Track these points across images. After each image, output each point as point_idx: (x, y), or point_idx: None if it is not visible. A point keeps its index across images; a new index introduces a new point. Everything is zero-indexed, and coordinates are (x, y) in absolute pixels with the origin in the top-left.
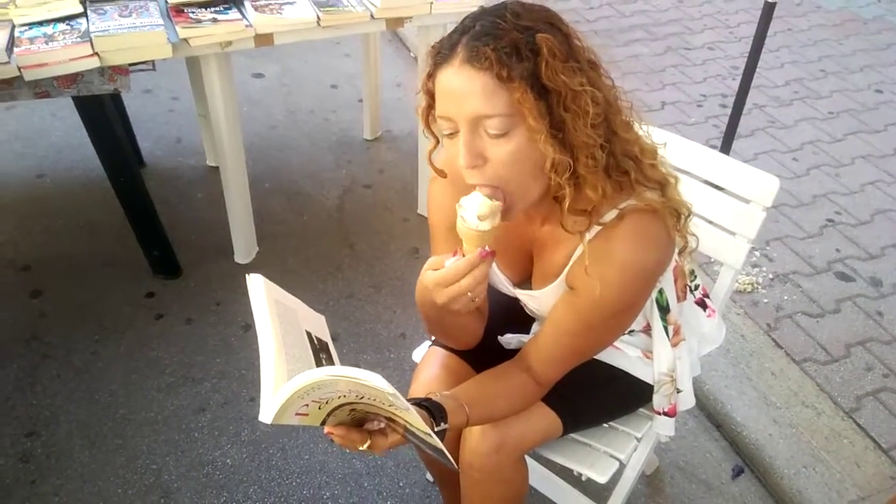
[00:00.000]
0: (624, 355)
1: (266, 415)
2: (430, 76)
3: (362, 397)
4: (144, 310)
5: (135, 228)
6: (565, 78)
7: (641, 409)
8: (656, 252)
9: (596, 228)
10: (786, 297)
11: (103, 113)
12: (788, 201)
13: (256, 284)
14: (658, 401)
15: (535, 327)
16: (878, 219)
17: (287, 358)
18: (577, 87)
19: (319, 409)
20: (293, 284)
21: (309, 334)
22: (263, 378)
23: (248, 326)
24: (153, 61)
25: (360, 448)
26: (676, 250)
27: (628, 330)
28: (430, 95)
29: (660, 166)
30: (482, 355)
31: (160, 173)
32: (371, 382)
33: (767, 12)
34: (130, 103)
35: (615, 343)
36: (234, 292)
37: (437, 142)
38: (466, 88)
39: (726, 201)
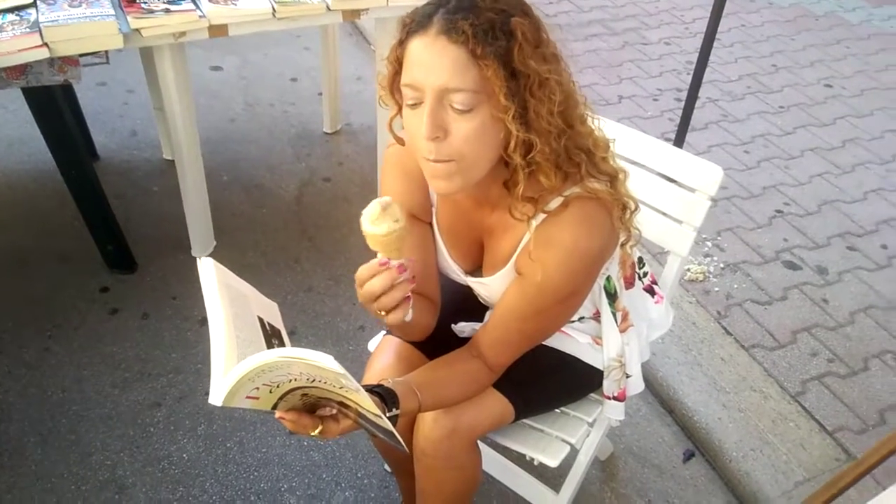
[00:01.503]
0: (574, 341)
1: (216, 396)
2: (401, 44)
3: (313, 381)
4: (99, 305)
5: (88, 223)
6: (535, 64)
7: (592, 395)
8: (600, 238)
9: (541, 216)
10: (735, 286)
11: (54, 104)
12: (740, 193)
13: (207, 268)
14: (608, 386)
15: (487, 315)
16: (824, 209)
17: (238, 342)
18: (545, 74)
19: (271, 392)
20: (252, 278)
21: (261, 320)
22: (214, 360)
23: (206, 320)
24: (106, 54)
25: (312, 434)
26: (619, 241)
27: (578, 317)
28: (398, 63)
29: (610, 160)
30: (436, 343)
31: (115, 167)
32: (321, 363)
33: (718, 7)
34: (84, 96)
35: (565, 329)
36: (191, 286)
37: (399, 110)
38: (439, 59)
39: (674, 191)
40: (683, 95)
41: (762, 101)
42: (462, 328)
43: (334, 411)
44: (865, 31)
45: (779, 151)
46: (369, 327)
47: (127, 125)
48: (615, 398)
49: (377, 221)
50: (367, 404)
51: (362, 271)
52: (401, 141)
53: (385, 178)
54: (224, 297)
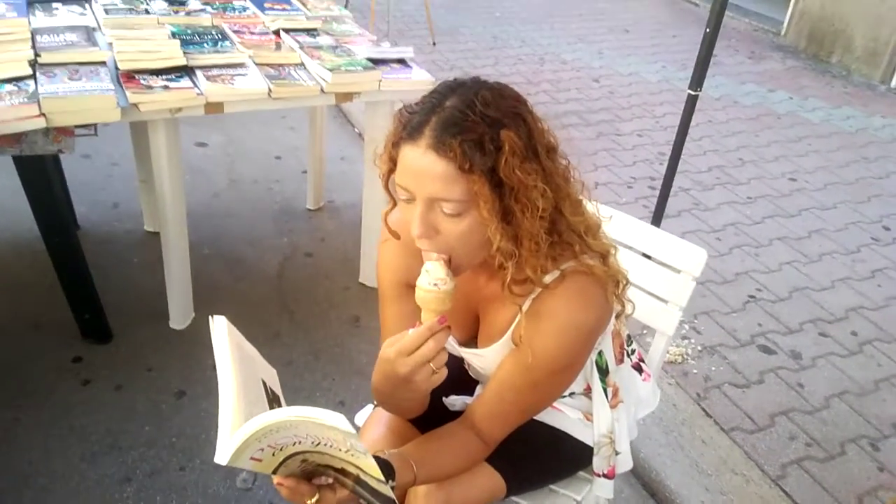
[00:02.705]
0: (566, 417)
1: (222, 456)
2: (395, 145)
3: (318, 444)
4: (70, 375)
5: (66, 290)
6: (520, 175)
7: (582, 472)
8: (595, 311)
9: (537, 290)
10: (713, 368)
11: (43, 171)
12: (713, 278)
13: (220, 326)
14: (598, 463)
15: (478, 390)
16: (795, 296)
17: (245, 402)
18: (529, 184)
19: (273, 455)
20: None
21: (264, 383)
22: (221, 418)
23: (182, 393)
24: (95, 126)
25: (308, 502)
26: (614, 314)
27: (569, 392)
28: (393, 162)
29: (602, 239)
30: (427, 416)
31: (95, 237)
32: (333, 423)
33: (691, 103)
34: (68, 167)
35: (556, 405)
36: (168, 358)
37: (395, 204)
38: (428, 171)
39: (659, 271)
40: (656, 184)
41: (731, 192)
42: (453, 401)
43: (331, 481)
44: (826, 130)
45: (749, 240)
46: (349, 402)
47: (109, 197)
48: (605, 475)
49: (429, 280)
50: (373, 469)
51: (413, 340)
52: (395, 235)
53: (381, 247)
54: (235, 357)
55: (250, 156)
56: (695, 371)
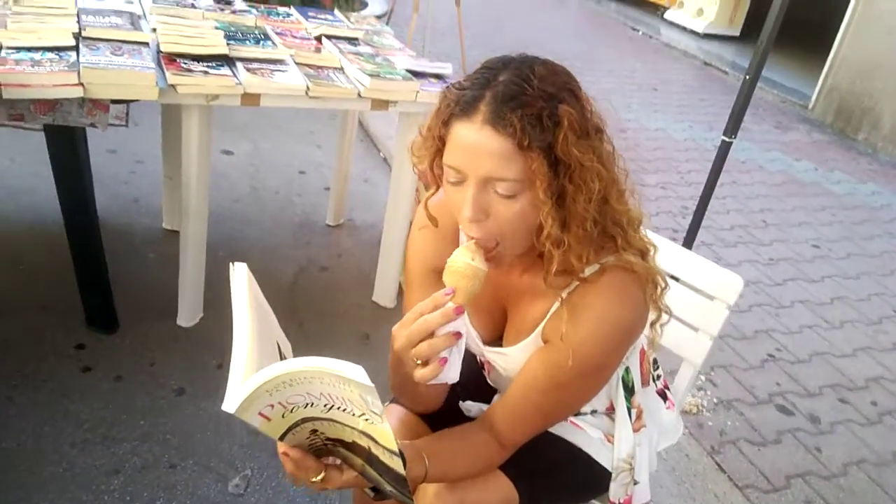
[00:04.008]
0: (586, 435)
1: (231, 403)
2: (446, 124)
3: (331, 408)
4: (71, 360)
5: (78, 271)
6: (577, 152)
7: (596, 501)
8: (633, 311)
9: (575, 283)
10: (729, 423)
11: (73, 147)
12: (732, 333)
13: (241, 273)
14: (615, 490)
15: (496, 398)
16: (815, 360)
17: (258, 354)
18: (586, 163)
19: (283, 416)
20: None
21: (279, 346)
22: (233, 366)
23: (182, 391)
24: (126, 117)
25: (313, 479)
26: (649, 321)
27: (591, 409)
28: (441, 141)
29: (643, 235)
30: (441, 419)
31: (113, 229)
32: (350, 375)
33: (724, 150)
34: (93, 161)
35: (577, 422)
36: (172, 354)
37: (436, 189)
38: (485, 148)
39: (690, 297)
40: (679, 236)
41: (753, 252)
42: (469, 407)
43: (339, 461)
44: (850, 202)
45: (770, 299)
46: None
47: (131, 192)
48: None
49: (466, 254)
50: (387, 439)
51: (425, 303)
52: (434, 221)
53: (415, 233)
54: (252, 307)
55: (275, 167)
56: (710, 423)
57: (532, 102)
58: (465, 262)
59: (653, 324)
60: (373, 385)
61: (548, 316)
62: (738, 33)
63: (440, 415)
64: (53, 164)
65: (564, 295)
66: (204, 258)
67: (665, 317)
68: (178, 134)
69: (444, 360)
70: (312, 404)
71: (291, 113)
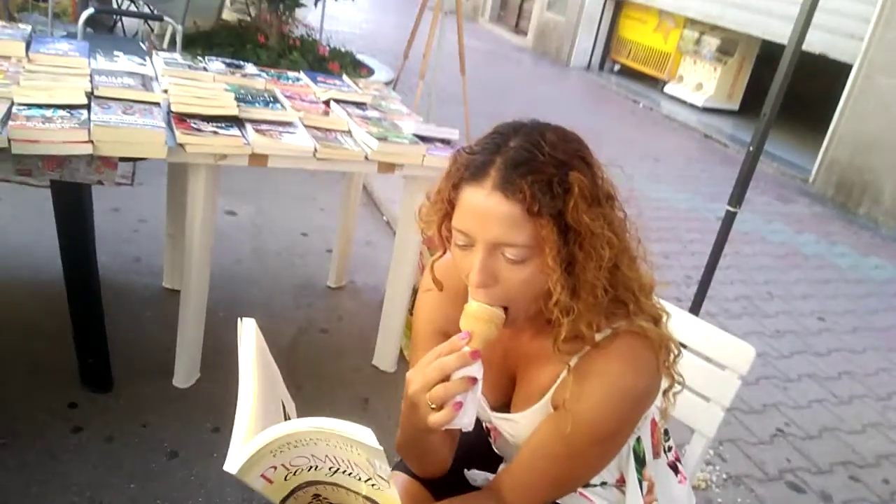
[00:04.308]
0: None
1: (233, 464)
2: (455, 187)
3: (336, 471)
4: (62, 420)
5: (76, 329)
6: (588, 220)
7: None
8: (646, 377)
9: (587, 347)
10: (739, 500)
11: (79, 204)
12: (740, 406)
13: (249, 330)
14: None
15: (502, 467)
16: (825, 435)
17: (264, 412)
18: (596, 230)
19: (286, 479)
20: (231, 415)
21: (283, 407)
22: (237, 424)
23: (175, 454)
24: (132, 177)
25: None
26: (662, 389)
27: (601, 481)
28: (451, 205)
29: (655, 301)
30: (446, 488)
31: (112, 287)
32: (359, 437)
33: (728, 220)
34: (96, 218)
35: (586, 493)
36: (166, 416)
37: (443, 252)
38: (494, 213)
39: (701, 366)
40: (683, 305)
41: (758, 323)
42: (475, 476)
43: None
44: (854, 276)
45: (777, 372)
46: None
47: (132, 251)
48: None
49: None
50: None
51: (442, 347)
52: (439, 285)
53: (422, 295)
54: (259, 364)
55: (277, 229)
56: (720, 500)
57: (542, 169)
58: (481, 306)
59: (665, 392)
60: (381, 448)
61: (558, 382)
62: (736, 108)
63: (444, 484)
64: (57, 220)
65: (575, 360)
66: (204, 317)
67: (678, 385)
68: (184, 192)
69: (459, 405)
70: (317, 467)
71: (295, 177)
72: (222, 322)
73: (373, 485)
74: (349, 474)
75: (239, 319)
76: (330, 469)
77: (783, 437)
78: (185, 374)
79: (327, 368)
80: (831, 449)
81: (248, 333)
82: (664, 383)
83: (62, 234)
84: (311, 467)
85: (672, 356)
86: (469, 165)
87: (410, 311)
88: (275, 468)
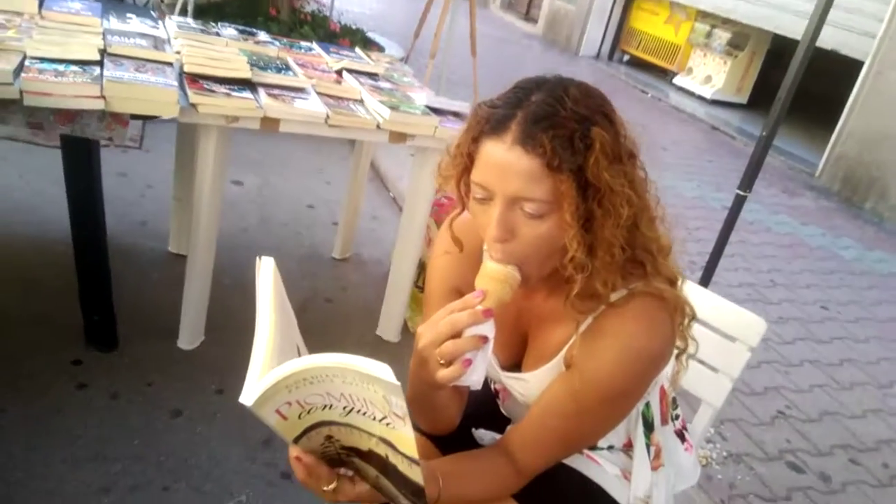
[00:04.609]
0: (602, 471)
1: (249, 396)
2: (475, 140)
3: (350, 411)
4: (67, 376)
5: (82, 286)
6: (608, 176)
7: None
8: (660, 339)
9: (602, 307)
10: (739, 477)
11: (88, 160)
12: (741, 388)
13: (267, 268)
14: None
15: (509, 429)
16: (826, 419)
17: (279, 351)
18: (616, 188)
19: (300, 417)
20: (235, 377)
21: (298, 350)
22: (253, 359)
23: (178, 412)
24: (141, 139)
25: (325, 488)
26: (675, 352)
27: (608, 445)
28: (470, 158)
29: (671, 263)
30: (453, 445)
31: (118, 250)
32: (375, 372)
33: (738, 203)
34: (103, 183)
35: (593, 456)
36: (170, 376)
37: (461, 210)
38: (514, 168)
39: (711, 338)
40: None
41: (762, 310)
42: (482, 435)
43: (351, 473)
44: (858, 268)
45: (779, 357)
46: None
47: (139, 215)
48: None
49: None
50: (407, 445)
51: (455, 303)
52: (459, 245)
53: (437, 250)
54: (276, 303)
55: (283, 201)
56: (719, 476)
57: (564, 124)
58: (498, 267)
59: (678, 356)
60: (399, 384)
61: (571, 341)
62: (745, 101)
63: (452, 442)
64: (66, 177)
65: (590, 321)
66: (210, 280)
67: (692, 348)
68: (192, 156)
69: (469, 362)
70: (331, 406)
71: (302, 150)
72: (228, 288)
73: (387, 423)
74: (363, 414)
75: (257, 258)
76: (344, 409)
77: (784, 419)
78: (189, 336)
79: (331, 337)
80: (831, 432)
81: (267, 271)
82: (678, 346)
83: (71, 191)
84: (325, 406)
85: (687, 319)
86: (490, 119)
87: (416, 284)
88: (289, 404)
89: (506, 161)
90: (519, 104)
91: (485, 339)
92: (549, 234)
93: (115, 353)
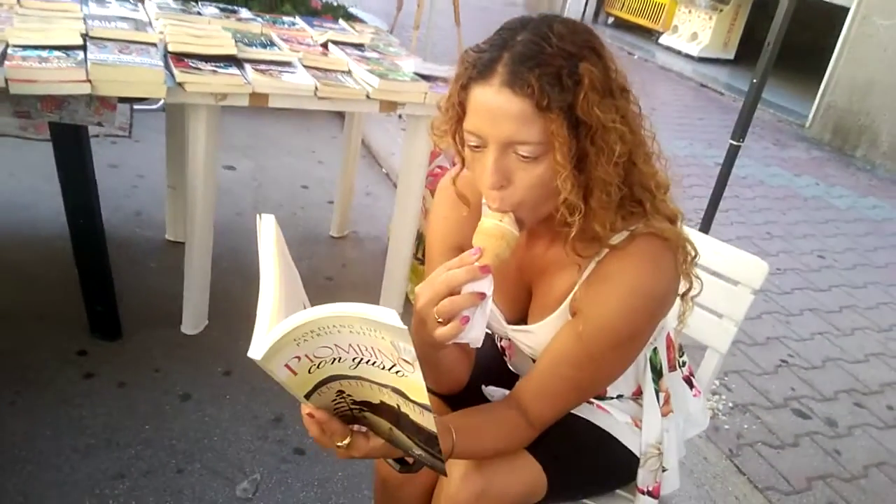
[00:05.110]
0: (613, 419)
1: (257, 350)
2: (464, 88)
3: (360, 363)
4: (73, 367)
5: (82, 277)
6: (599, 112)
7: (623, 492)
8: (665, 280)
9: (604, 251)
10: (745, 426)
11: (79, 150)
12: (743, 339)
13: (268, 225)
14: (643, 476)
15: (519, 381)
16: (829, 365)
17: (285, 304)
18: (608, 124)
19: (309, 372)
20: (241, 358)
21: (304, 306)
22: (259, 315)
23: (187, 396)
24: (130, 127)
25: (338, 444)
26: (680, 291)
27: (617, 394)
28: (461, 107)
29: (669, 201)
30: (462, 403)
31: (115, 241)
32: (382, 318)
33: (732, 153)
34: (95, 174)
35: (604, 406)
36: (176, 361)
37: (463, 161)
38: (503, 111)
39: (714, 283)
40: None
41: None
42: (492, 392)
43: (364, 430)
44: (852, 216)
45: (779, 307)
46: None
47: (133, 205)
48: (649, 493)
49: (496, 216)
50: (419, 392)
51: (452, 261)
52: (465, 200)
53: (436, 205)
54: (279, 259)
55: (277, 183)
56: (727, 427)
57: (550, 61)
58: (494, 223)
59: (683, 296)
60: (406, 328)
61: (576, 287)
62: (732, 57)
63: (463, 400)
64: (59, 169)
65: (592, 265)
66: (210, 262)
67: (696, 288)
68: (183, 142)
69: (466, 319)
70: (340, 359)
71: (293, 131)
72: (227, 272)
73: (397, 372)
74: (373, 364)
75: (258, 216)
76: (353, 360)
77: (787, 368)
78: (193, 321)
79: None
80: (835, 378)
81: (268, 228)
82: (682, 286)
83: (65, 183)
84: (334, 359)
85: (690, 257)
86: (476, 64)
87: (415, 256)
88: (298, 358)
89: (495, 105)
90: (504, 45)
91: (482, 295)
92: (545, 176)
93: (119, 342)
